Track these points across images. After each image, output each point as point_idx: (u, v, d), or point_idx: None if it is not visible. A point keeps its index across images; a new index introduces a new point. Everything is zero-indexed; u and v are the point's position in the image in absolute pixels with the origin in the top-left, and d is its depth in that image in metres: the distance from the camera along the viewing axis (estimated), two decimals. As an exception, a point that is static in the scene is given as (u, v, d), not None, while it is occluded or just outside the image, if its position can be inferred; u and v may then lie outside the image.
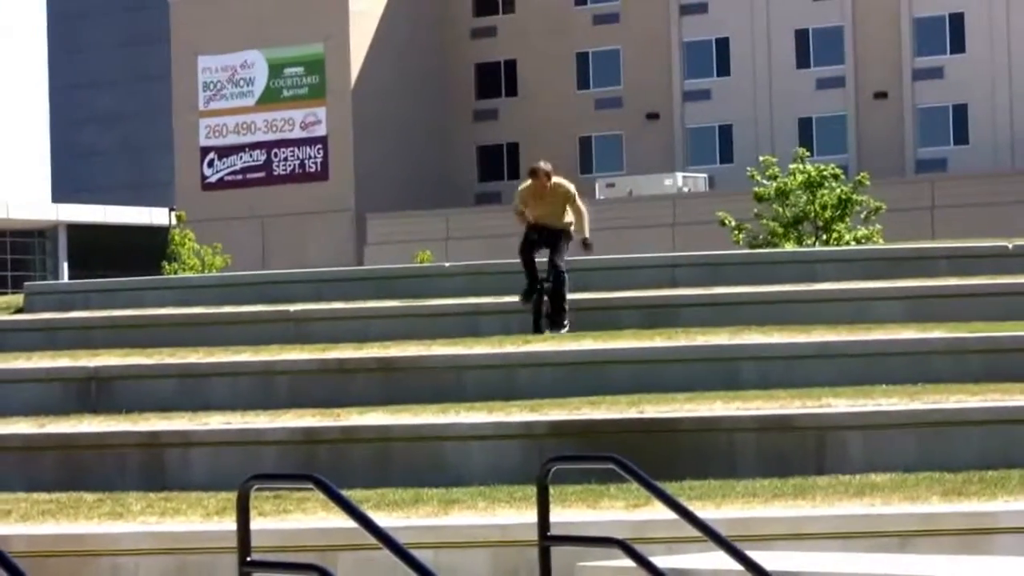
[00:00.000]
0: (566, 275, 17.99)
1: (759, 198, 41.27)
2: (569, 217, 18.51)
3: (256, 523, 8.11)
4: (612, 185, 67.14)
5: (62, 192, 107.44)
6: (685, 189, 65.15)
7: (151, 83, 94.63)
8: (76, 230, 74.96)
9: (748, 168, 44.27)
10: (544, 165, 18.78)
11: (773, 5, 68.14)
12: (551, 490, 8.27)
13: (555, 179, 18.55)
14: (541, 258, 18.35)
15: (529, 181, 18.70)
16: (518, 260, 19.19)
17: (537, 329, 17.61)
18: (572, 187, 18.79)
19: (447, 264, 27.07)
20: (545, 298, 17.98)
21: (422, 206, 69.38)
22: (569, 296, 18.00)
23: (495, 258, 28.76)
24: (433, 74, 71.74)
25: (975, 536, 10.10)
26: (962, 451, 12.38)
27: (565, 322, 17.72)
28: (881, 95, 67.02)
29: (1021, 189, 59.17)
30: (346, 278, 24.58)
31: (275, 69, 70.57)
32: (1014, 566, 7.91)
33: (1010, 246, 20.40)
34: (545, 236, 18.32)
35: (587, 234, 18.43)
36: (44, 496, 12.70)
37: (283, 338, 18.21)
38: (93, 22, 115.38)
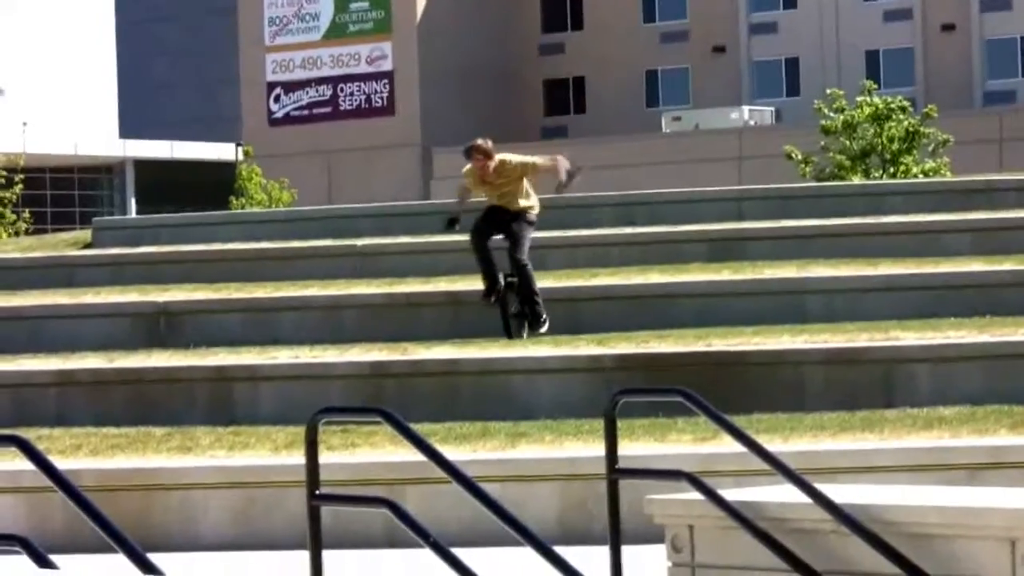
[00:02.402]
0: (529, 267, 15.85)
1: (826, 131, 42.50)
2: (527, 200, 16.16)
3: (324, 457, 8.40)
4: (678, 119, 67.58)
5: (130, 128, 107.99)
6: (751, 123, 65.82)
7: (219, 17, 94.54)
8: (143, 166, 75.82)
9: (815, 101, 45.87)
10: (482, 142, 16.40)
11: (841, -62, 70.71)
12: (618, 423, 8.50)
13: (499, 156, 16.15)
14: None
15: (469, 164, 16.40)
16: (581, 194, 18.46)
17: (508, 332, 15.61)
18: (520, 157, 16.48)
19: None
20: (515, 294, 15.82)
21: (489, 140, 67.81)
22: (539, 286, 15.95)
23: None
24: (498, 8, 72.50)
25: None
26: (1031, 384, 13.27)
27: (543, 318, 15.74)
28: (949, 27, 66.99)
29: (1090, 120, 61.18)
30: (414, 212, 25.39)
31: (340, 4, 70.84)
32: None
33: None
34: (498, 222, 16.13)
35: (563, 176, 16.00)
36: (113, 431, 13.26)
37: (351, 272, 18.94)
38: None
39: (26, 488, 9.62)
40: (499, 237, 15.90)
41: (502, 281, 15.52)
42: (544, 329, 15.34)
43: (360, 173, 68.59)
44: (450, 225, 15.99)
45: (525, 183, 15.95)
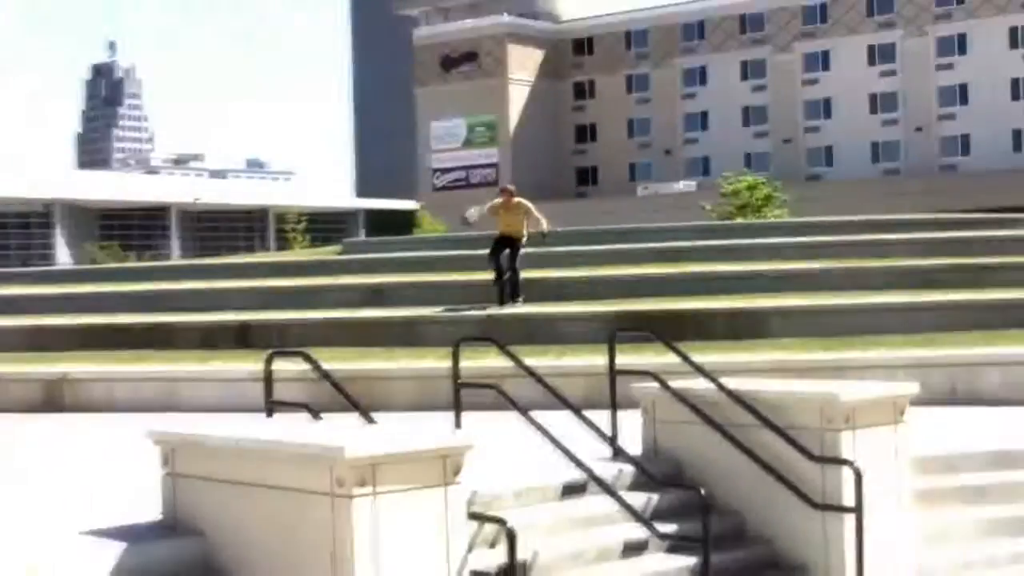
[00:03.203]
0: (519, 273, 23.38)
1: (724, 195, 65.66)
2: (523, 232, 23.56)
3: (462, 363, 11.94)
4: (647, 188, 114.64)
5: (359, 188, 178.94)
6: (685, 190, 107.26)
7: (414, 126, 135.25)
8: (369, 213, 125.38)
9: (719, 179, 79.97)
10: (510, 186, 25.02)
11: None
12: (616, 347, 12.59)
13: (517, 199, 23.95)
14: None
15: (500, 198, 24.09)
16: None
17: (502, 302, 23.08)
18: (528, 204, 24.15)
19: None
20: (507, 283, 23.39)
21: (545, 199, 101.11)
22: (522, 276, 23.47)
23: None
24: (550, 131, 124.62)
25: None
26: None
27: (520, 298, 23.17)
28: (788, 141, 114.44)
29: None
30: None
31: (471, 128, 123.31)
32: None
33: None
34: (507, 243, 23.44)
35: (544, 229, 23.71)
36: (349, 350, 20.63)
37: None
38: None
39: (306, 378, 12.66)
40: (505, 252, 23.41)
41: (504, 276, 23.25)
42: (519, 304, 22.98)
43: (479, 222, 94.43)
44: (464, 222, 24.74)
45: (524, 222, 23.65)
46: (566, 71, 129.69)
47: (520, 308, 22.86)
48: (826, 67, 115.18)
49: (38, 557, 8.45)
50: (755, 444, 11.27)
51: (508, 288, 23.38)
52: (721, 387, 11.76)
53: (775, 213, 60.50)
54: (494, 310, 22.63)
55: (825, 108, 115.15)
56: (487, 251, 23.64)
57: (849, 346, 19.50)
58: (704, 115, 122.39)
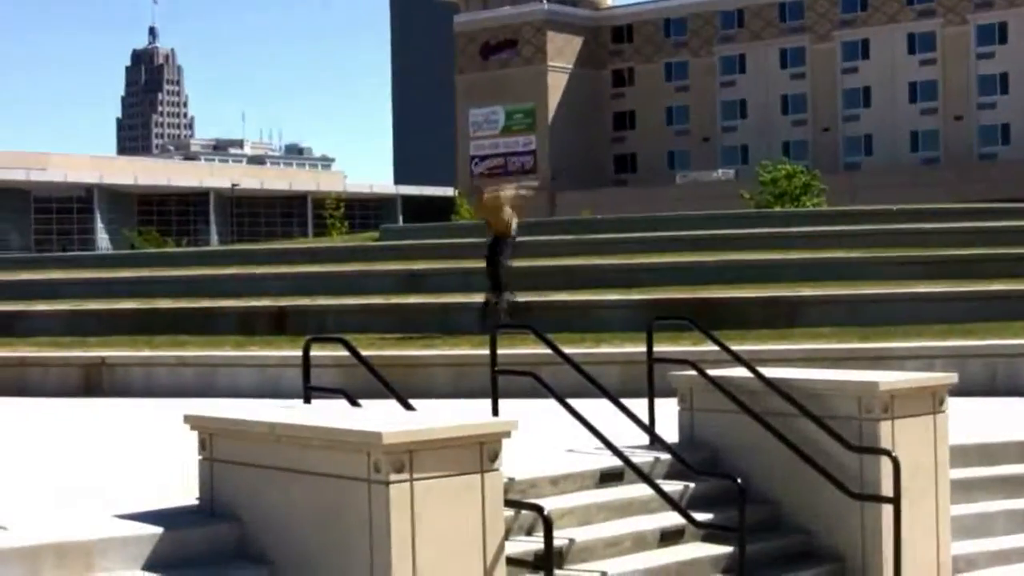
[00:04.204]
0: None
1: (762, 184, 68.20)
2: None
3: (500, 350, 12.07)
4: (685, 176, 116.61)
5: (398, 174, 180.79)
6: (723, 178, 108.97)
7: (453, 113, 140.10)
8: (407, 199, 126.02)
9: (757, 168, 78.88)
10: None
11: None
12: (653, 335, 12.77)
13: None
14: None
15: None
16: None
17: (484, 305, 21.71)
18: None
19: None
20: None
21: (583, 187, 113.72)
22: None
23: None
24: (589, 118, 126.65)
25: None
26: None
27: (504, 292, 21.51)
28: (826, 129, 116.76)
29: None
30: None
31: (509, 115, 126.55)
32: None
33: None
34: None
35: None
36: (388, 336, 20.82)
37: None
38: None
39: (344, 364, 13.37)
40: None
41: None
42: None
43: (516, 205, 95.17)
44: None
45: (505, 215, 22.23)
46: (605, 59, 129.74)
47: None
48: (865, 55, 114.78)
49: (74, 540, 8.47)
50: (792, 433, 11.21)
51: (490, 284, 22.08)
52: (759, 375, 11.70)
53: (814, 202, 61.00)
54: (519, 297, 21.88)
55: (864, 97, 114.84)
56: (522, 238, 23.53)
57: (887, 335, 19.42)
58: (743, 103, 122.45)
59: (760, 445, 11.48)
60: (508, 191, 22.75)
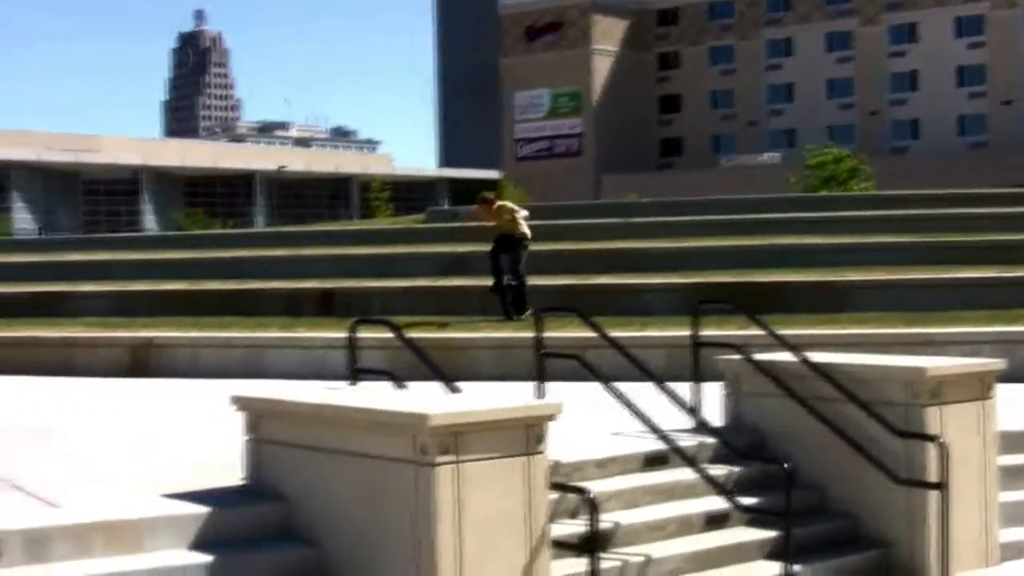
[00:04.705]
0: (524, 281, 21.55)
1: (809, 167, 77.20)
2: (522, 229, 21.83)
3: (546, 333, 12.15)
4: (730, 159, 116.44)
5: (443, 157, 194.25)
6: (769, 161, 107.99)
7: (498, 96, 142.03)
8: (453, 182, 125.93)
9: (804, 152, 76.21)
10: (488, 194, 23.72)
11: None
12: (699, 319, 12.66)
13: (499, 203, 22.74)
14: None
15: (481, 207, 22.53)
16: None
17: (507, 315, 21.23)
18: (512, 205, 22.70)
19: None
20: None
21: (629, 170, 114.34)
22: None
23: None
24: (635, 102, 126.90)
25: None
26: None
27: (527, 311, 20.95)
28: (874, 113, 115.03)
29: None
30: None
31: (554, 98, 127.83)
32: None
33: None
34: (507, 245, 21.86)
35: (518, 234, 21.86)
36: (431, 318, 20.77)
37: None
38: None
39: (389, 346, 13.24)
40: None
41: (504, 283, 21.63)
42: (527, 315, 20.72)
43: (561, 188, 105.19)
44: (454, 217, 23.31)
45: (519, 221, 21.94)
46: (650, 42, 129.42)
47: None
48: (913, 39, 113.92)
49: (122, 519, 8.53)
50: (839, 418, 11.16)
51: (511, 299, 21.72)
52: (805, 360, 11.65)
53: (860, 186, 60.88)
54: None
55: (911, 80, 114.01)
56: (567, 221, 23.49)
57: (934, 321, 19.31)
58: (789, 87, 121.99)
59: (806, 430, 11.42)
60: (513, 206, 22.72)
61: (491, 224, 22.47)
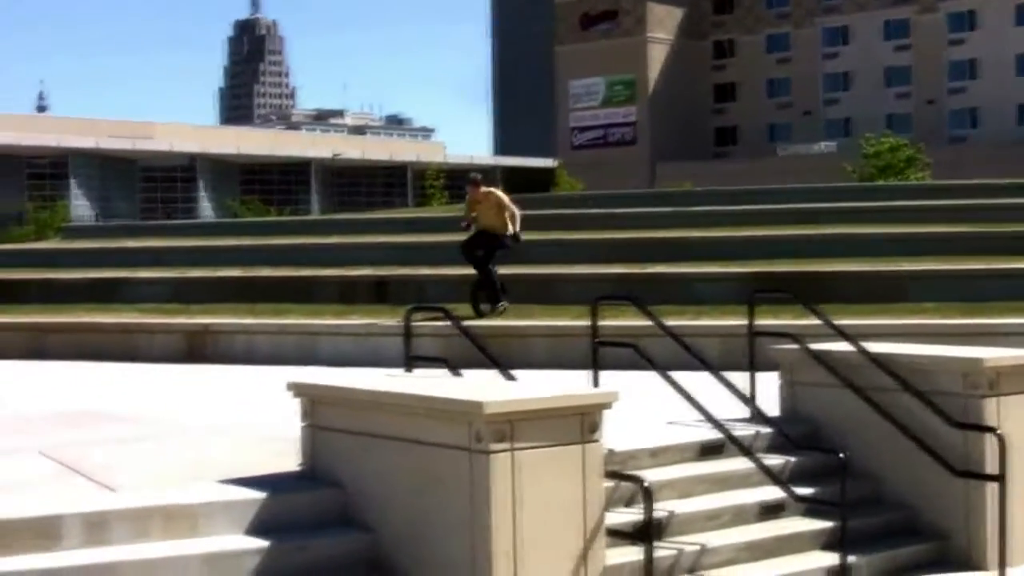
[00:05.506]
0: (493, 275, 20.92)
1: (865, 156, 72.89)
2: (508, 225, 21.04)
3: (600, 321, 12.06)
4: (786, 148, 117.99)
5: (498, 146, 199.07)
6: (825, 150, 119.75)
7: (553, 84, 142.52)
8: (510, 170, 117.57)
9: (861, 141, 74.47)
10: (476, 175, 22.37)
11: None
12: (754, 309, 12.67)
13: (485, 188, 21.58)
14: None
15: (469, 190, 21.71)
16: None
17: (476, 311, 20.53)
18: (500, 194, 21.52)
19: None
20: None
21: (683, 159, 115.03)
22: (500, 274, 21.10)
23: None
24: (690, 91, 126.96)
25: None
26: None
27: (501, 305, 20.64)
28: (931, 102, 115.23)
29: None
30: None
31: (609, 86, 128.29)
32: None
33: None
34: (482, 241, 21.17)
35: (515, 230, 21.15)
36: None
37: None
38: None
39: (444, 333, 13.91)
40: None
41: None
42: (501, 309, 20.49)
43: (616, 177, 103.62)
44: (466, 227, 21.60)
45: (505, 215, 21.10)
46: (706, 30, 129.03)
47: (498, 318, 20.43)
48: (972, 27, 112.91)
49: (180, 504, 8.60)
50: (895, 408, 11.09)
51: (482, 294, 21.10)
52: (862, 350, 11.61)
53: (918, 175, 60.49)
54: None
55: (970, 69, 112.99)
56: (622, 210, 23.36)
57: (992, 311, 19.14)
58: (845, 75, 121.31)
59: (862, 420, 11.35)
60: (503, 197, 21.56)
61: (472, 215, 21.49)
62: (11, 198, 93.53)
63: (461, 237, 21.60)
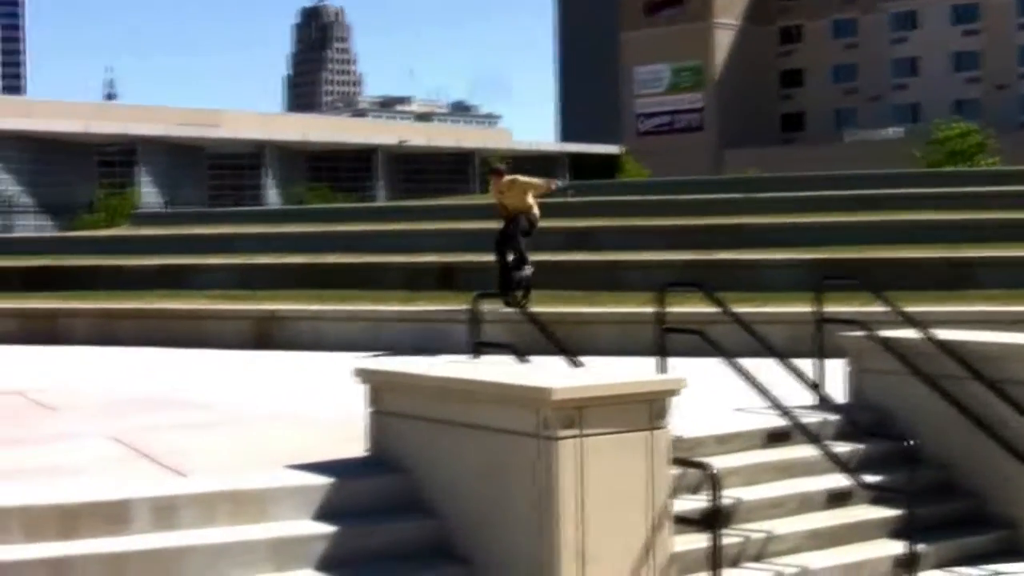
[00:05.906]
0: (526, 258, 20.55)
1: (934, 142, 67.39)
2: (530, 205, 20.70)
3: (668, 308, 12.21)
4: (854, 134, 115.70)
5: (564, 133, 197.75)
6: (893, 136, 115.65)
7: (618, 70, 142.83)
8: (574, 157, 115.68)
9: (931, 127, 73.37)
10: (500, 165, 22.28)
11: None
12: (822, 295, 12.71)
13: (509, 177, 21.11)
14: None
15: (492, 180, 21.47)
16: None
17: (505, 300, 18.99)
18: (524, 177, 21.32)
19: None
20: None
21: (750, 145, 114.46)
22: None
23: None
24: (756, 77, 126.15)
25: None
26: None
27: (520, 293, 19.96)
28: (1002, 87, 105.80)
29: None
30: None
31: (675, 72, 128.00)
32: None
33: None
34: (513, 225, 20.68)
35: (553, 187, 21.70)
36: (561, 293, 20.88)
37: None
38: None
39: (510, 320, 14.23)
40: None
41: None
42: (520, 298, 19.67)
43: (683, 163, 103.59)
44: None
45: (529, 197, 20.76)
46: (772, 15, 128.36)
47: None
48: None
49: (248, 489, 8.67)
50: (965, 397, 11.00)
51: (510, 277, 20.55)
52: (930, 337, 11.54)
53: (988, 161, 60.08)
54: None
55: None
56: (689, 196, 23.27)
57: (1060, 298, 18.98)
58: (913, 61, 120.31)
59: (930, 408, 11.28)
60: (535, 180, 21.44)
61: (500, 204, 21.16)
62: (82, 186, 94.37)
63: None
